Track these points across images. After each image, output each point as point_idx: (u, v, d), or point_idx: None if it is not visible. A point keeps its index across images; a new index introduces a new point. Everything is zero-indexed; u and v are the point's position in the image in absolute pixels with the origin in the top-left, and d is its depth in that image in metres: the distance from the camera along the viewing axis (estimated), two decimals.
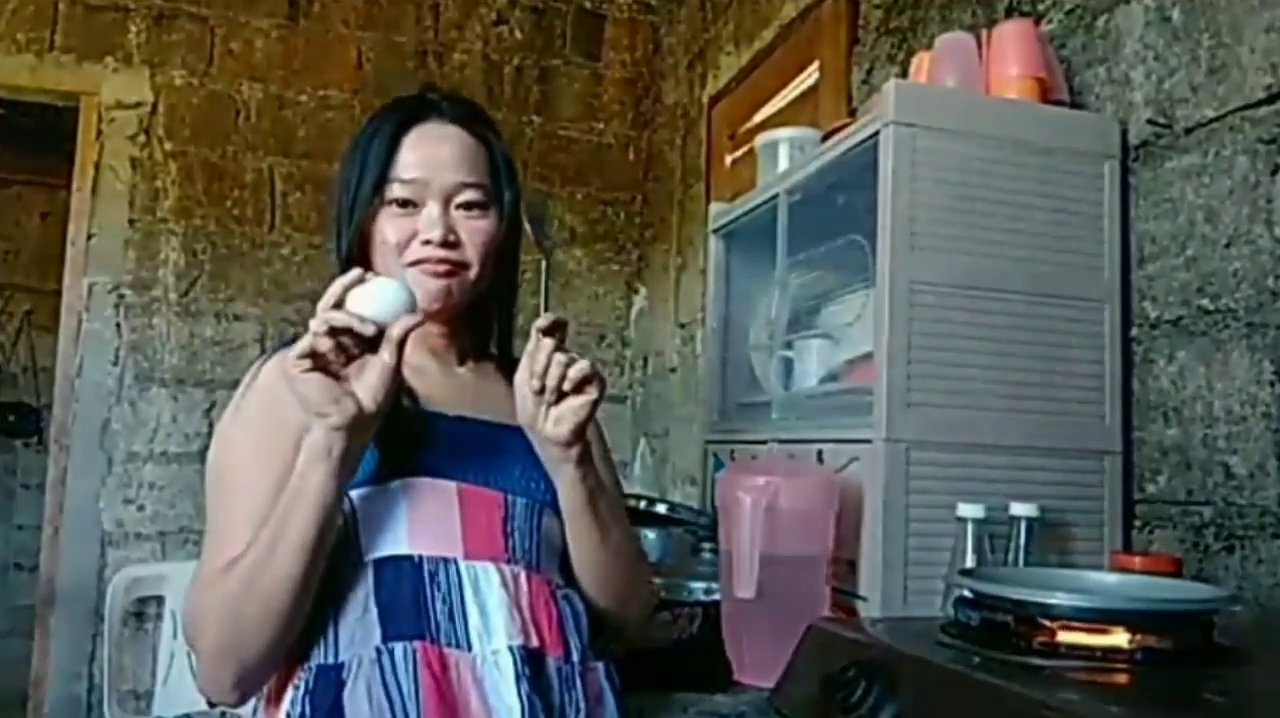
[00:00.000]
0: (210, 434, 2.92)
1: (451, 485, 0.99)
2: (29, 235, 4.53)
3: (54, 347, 3.05)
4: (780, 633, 1.00)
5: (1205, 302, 1.18)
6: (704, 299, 2.22)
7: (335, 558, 0.94)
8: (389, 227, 1.05)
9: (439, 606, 0.94)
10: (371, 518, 0.97)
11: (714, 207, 1.90)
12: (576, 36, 3.40)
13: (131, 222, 2.96)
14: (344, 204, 1.08)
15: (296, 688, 0.92)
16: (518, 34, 3.34)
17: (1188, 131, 1.21)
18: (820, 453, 1.32)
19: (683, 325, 2.92)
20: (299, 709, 0.90)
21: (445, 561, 0.96)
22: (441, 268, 1.05)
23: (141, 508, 2.92)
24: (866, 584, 1.18)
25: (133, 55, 2.99)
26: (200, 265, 3.01)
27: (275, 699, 0.95)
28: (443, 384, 1.09)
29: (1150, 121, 1.26)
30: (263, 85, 3.10)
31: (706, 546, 1.72)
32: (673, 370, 2.98)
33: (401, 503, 0.98)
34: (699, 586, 1.35)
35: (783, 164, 1.63)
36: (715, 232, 1.83)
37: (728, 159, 2.70)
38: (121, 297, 2.94)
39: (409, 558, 0.95)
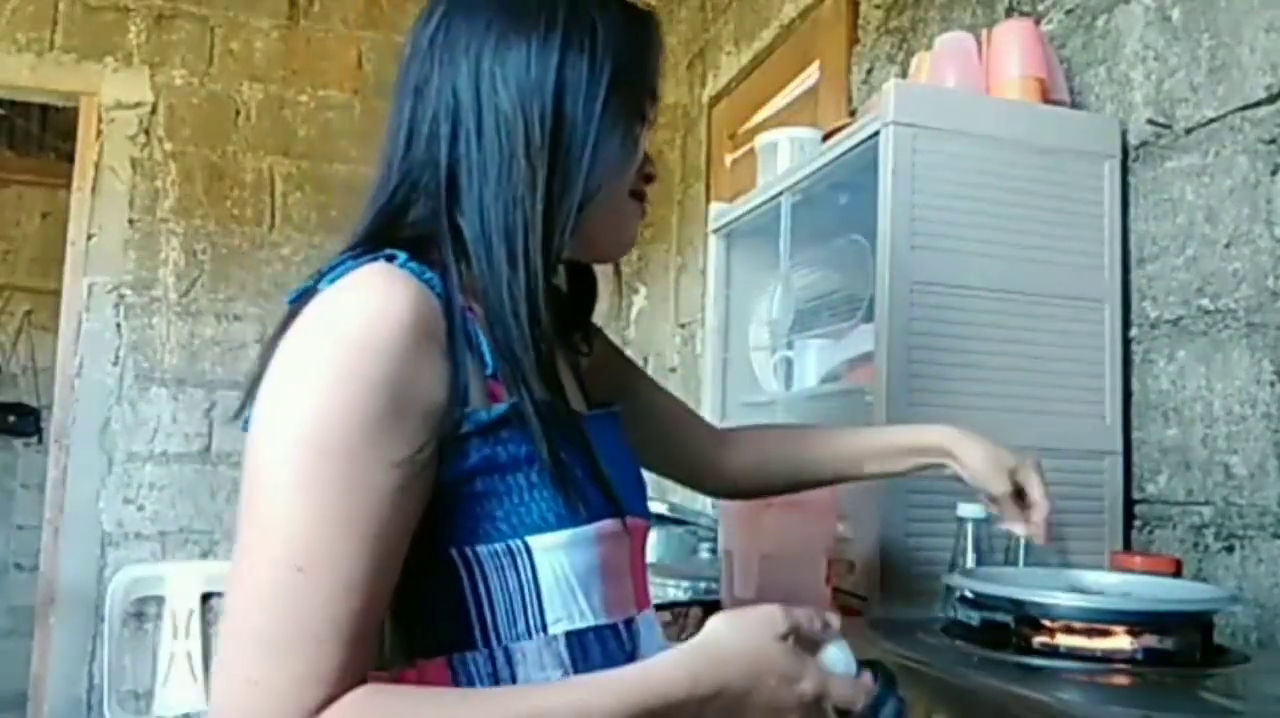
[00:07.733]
0: (210, 435, 2.98)
1: (620, 525, 0.74)
2: (29, 235, 4.52)
3: (54, 347, 3.05)
4: None
5: (1205, 302, 1.18)
6: (704, 299, 2.22)
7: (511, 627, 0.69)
8: (635, 154, 0.79)
9: None
10: (562, 575, 0.70)
11: (714, 207, 1.90)
12: None
13: (131, 221, 2.96)
14: (589, 128, 0.73)
15: None
16: None
17: (1188, 132, 1.21)
18: None
19: (683, 325, 2.92)
20: None
21: (629, 622, 0.75)
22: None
23: (141, 508, 2.92)
24: (866, 584, 1.17)
25: (133, 55, 2.99)
26: (200, 265, 3.01)
27: None
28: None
29: (1150, 121, 1.26)
30: (263, 85, 3.10)
31: (706, 546, 1.72)
32: (673, 370, 2.97)
33: (594, 553, 0.71)
34: (699, 585, 1.35)
35: (783, 164, 1.63)
36: (715, 231, 1.83)
37: (728, 159, 2.70)
38: (121, 297, 2.95)
39: (610, 627, 0.73)
